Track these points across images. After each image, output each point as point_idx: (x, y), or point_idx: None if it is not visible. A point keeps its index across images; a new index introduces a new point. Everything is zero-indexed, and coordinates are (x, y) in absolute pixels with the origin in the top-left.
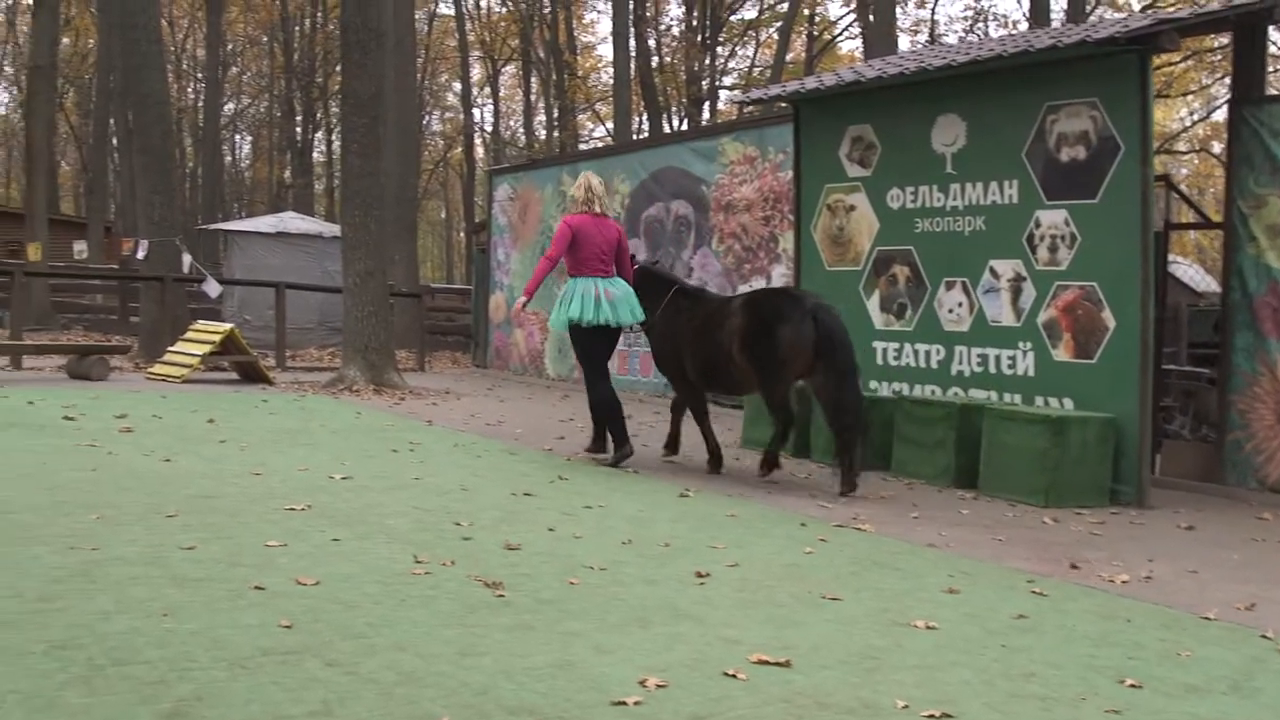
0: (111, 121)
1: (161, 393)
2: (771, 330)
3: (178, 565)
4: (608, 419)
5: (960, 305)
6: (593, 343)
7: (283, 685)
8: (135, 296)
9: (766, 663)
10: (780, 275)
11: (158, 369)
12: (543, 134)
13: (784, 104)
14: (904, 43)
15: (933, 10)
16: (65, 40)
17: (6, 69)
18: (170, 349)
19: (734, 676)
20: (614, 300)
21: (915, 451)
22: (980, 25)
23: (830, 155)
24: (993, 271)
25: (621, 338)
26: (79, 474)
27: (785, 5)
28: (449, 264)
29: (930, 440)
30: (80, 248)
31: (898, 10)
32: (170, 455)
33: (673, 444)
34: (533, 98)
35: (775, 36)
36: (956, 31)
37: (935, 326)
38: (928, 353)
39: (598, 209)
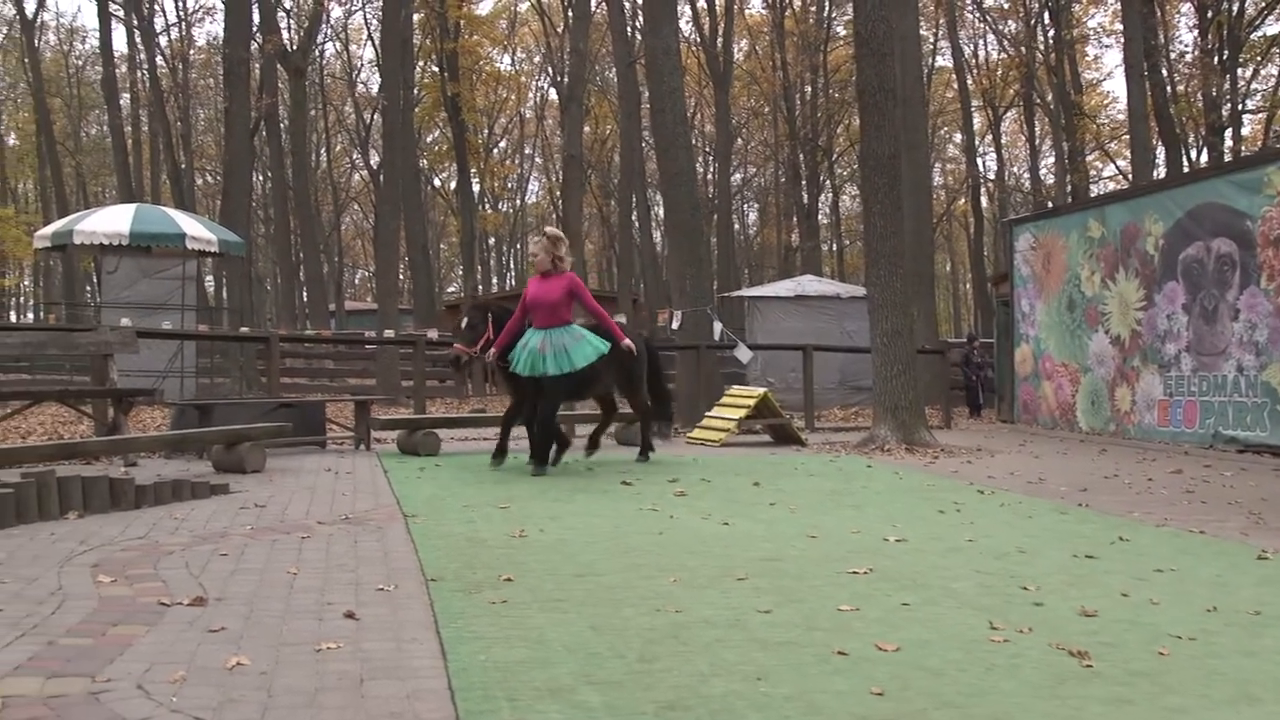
0: (633, 199)
1: (704, 457)
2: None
3: (758, 628)
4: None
5: None
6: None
7: None
8: (667, 364)
9: None
10: None
11: (697, 433)
12: (1049, 178)
13: None
14: None
15: None
16: (586, 129)
17: (537, 160)
18: (708, 414)
19: None
20: None
21: None
22: None
23: None
24: None
25: (1164, 390)
26: (648, 537)
27: None
28: (956, 317)
29: None
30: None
31: None
32: (727, 518)
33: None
34: (1036, 141)
35: None
36: None
37: None
38: None
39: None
